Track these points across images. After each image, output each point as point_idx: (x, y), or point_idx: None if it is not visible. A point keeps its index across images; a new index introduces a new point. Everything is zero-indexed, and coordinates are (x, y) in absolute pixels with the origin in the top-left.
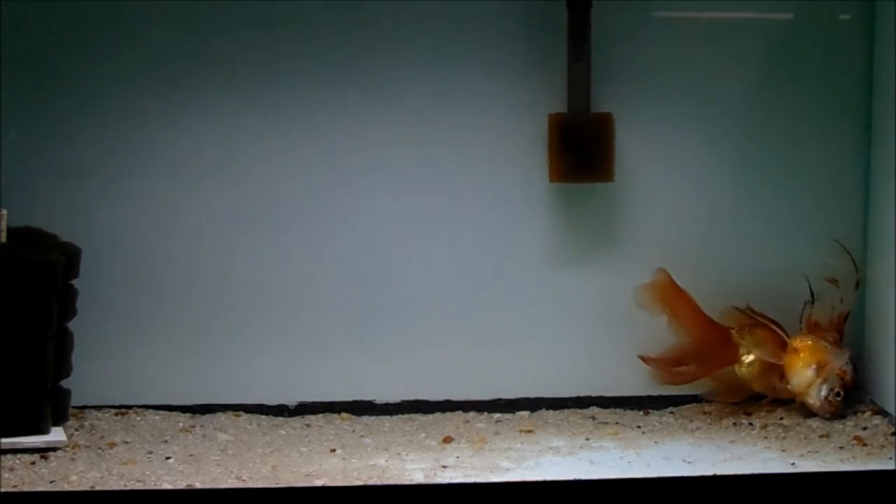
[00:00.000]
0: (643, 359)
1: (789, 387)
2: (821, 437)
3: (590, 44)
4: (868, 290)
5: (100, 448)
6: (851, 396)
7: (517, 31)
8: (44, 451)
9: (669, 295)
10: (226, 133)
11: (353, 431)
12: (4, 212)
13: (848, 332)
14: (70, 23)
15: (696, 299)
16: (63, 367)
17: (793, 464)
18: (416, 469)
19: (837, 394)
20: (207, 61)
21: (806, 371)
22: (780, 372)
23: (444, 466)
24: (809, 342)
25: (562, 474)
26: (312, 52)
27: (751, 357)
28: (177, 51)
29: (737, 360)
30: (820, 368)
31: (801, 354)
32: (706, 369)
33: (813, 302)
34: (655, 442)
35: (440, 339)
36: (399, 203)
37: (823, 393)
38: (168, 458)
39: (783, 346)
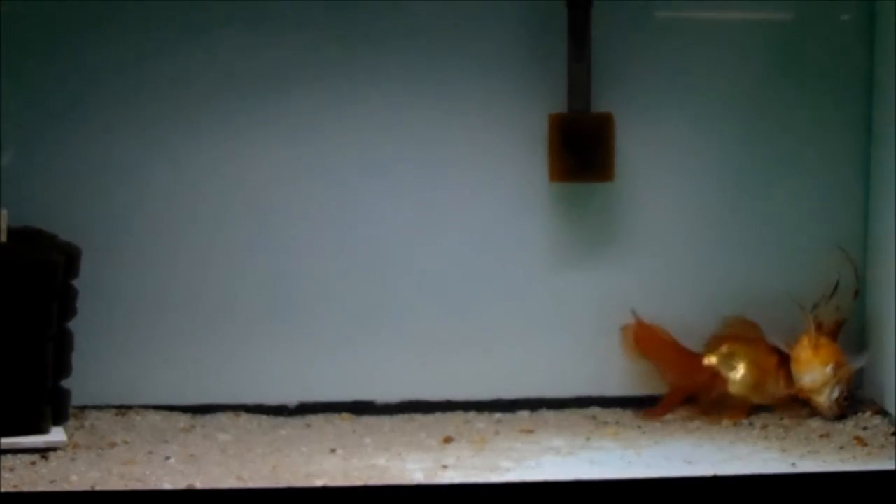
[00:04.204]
0: (647, 415)
1: (799, 383)
2: (821, 437)
3: (590, 44)
4: (869, 290)
5: (100, 448)
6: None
7: (517, 31)
8: (44, 451)
9: (646, 338)
10: (228, 134)
11: (354, 431)
12: (4, 212)
13: (843, 337)
14: (70, 22)
15: (693, 302)
16: (63, 367)
17: (793, 464)
18: (416, 469)
19: (846, 397)
20: (208, 62)
21: (824, 369)
22: (773, 376)
23: (444, 466)
24: (826, 341)
25: (562, 474)
26: (312, 53)
27: (740, 372)
28: (177, 51)
29: (721, 384)
30: (837, 369)
31: (821, 352)
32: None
33: (833, 295)
34: (655, 442)
35: (440, 339)
36: (399, 203)
37: (836, 395)
38: (168, 458)
39: (774, 349)
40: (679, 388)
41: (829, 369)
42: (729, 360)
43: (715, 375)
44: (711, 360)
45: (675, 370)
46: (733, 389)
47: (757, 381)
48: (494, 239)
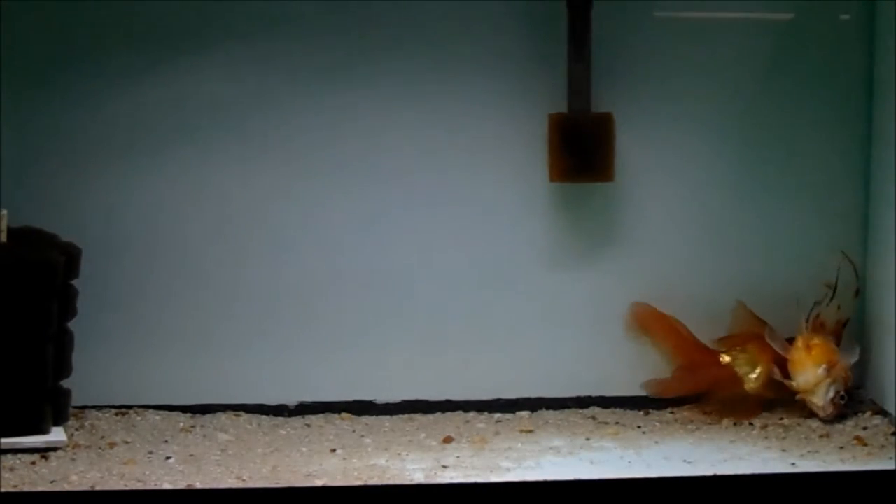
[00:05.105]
0: (653, 388)
1: (794, 384)
2: (821, 437)
3: (590, 44)
4: (869, 290)
5: (100, 448)
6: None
7: (517, 32)
8: (44, 451)
9: (652, 325)
10: (230, 135)
11: (353, 431)
12: (4, 212)
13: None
14: (71, 22)
15: (693, 303)
16: (63, 367)
17: (793, 464)
18: (416, 469)
19: (842, 396)
20: (213, 63)
21: (816, 370)
22: (784, 374)
23: (444, 466)
24: (820, 341)
25: (562, 474)
26: (312, 54)
27: (756, 371)
28: (181, 52)
29: (735, 381)
30: (830, 368)
31: (813, 353)
32: (703, 388)
33: (833, 296)
34: (655, 442)
35: (440, 339)
36: (399, 203)
37: (830, 395)
38: (168, 458)
39: (775, 350)
40: (691, 379)
41: (821, 370)
42: (745, 359)
43: (732, 374)
44: (726, 359)
45: (687, 361)
46: (749, 387)
47: (772, 379)
48: (494, 239)
